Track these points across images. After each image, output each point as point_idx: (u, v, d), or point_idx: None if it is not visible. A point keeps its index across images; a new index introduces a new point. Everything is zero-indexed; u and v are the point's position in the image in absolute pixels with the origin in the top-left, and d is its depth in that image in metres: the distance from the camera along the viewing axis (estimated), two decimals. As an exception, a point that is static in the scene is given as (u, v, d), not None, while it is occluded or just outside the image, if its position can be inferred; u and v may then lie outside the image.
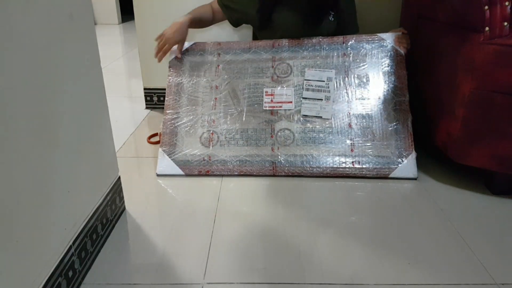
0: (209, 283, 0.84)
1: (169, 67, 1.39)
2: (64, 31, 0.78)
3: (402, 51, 1.33)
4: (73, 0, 0.81)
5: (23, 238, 0.65)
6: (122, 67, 2.75)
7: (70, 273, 0.79)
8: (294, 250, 0.93)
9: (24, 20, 0.65)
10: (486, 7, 1.02)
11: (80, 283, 0.83)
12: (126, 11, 4.43)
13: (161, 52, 1.35)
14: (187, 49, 1.40)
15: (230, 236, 0.99)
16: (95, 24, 4.26)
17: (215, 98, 1.34)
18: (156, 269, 0.88)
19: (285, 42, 1.38)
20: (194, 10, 1.41)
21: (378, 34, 1.35)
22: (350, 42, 1.35)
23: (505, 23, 1.03)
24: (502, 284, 0.83)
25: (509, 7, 1.02)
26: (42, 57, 0.70)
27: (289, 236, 0.98)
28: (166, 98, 1.35)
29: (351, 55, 1.34)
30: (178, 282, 0.84)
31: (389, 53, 1.33)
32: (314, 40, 1.37)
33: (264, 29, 1.42)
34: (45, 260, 0.72)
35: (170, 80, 1.37)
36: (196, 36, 1.63)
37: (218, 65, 1.38)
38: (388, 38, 1.35)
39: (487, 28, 1.02)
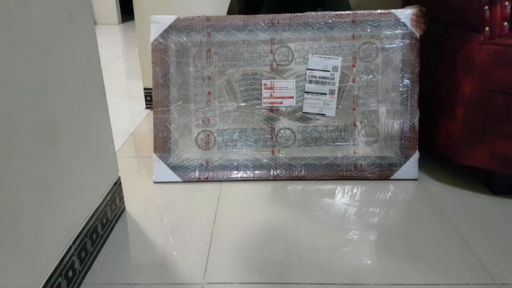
0: (209, 283, 0.84)
1: (152, 50, 1.20)
2: (64, 31, 0.78)
3: (417, 33, 1.18)
4: (73, 0, 0.81)
5: (23, 238, 0.65)
6: (122, 67, 2.75)
7: (70, 273, 0.79)
8: (294, 250, 0.93)
9: (24, 20, 0.65)
10: (486, 7, 1.02)
11: (80, 283, 0.83)
12: (126, 11, 4.43)
13: None
14: (170, 26, 1.20)
15: (230, 236, 0.99)
16: (95, 24, 4.25)
17: (209, 93, 1.22)
18: (156, 269, 0.88)
19: (286, 18, 1.20)
20: None
21: (392, 10, 1.19)
22: (360, 21, 1.19)
23: (505, 23, 1.03)
24: (502, 284, 0.83)
25: (509, 7, 1.02)
26: (42, 57, 0.70)
27: (289, 237, 0.98)
28: (153, 93, 1.21)
29: (360, 37, 1.19)
30: (178, 282, 0.84)
31: (402, 36, 1.19)
32: (320, 17, 1.19)
33: None
34: (45, 260, 0.72)
35: (156, 70, 1.20)
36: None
37: (209, 49, 1.21)
38: (404, 17, 1.18)
39: (487, 28, 1.02)
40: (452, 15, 1.16)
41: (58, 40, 0.75)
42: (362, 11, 1.20)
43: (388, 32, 1.20)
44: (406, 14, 1.19)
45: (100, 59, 0.95)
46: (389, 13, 1.19)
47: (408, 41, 1.19)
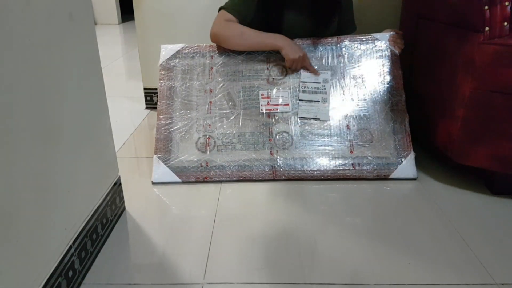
0: (209, 283, 0.84)
1: (160, 70, 1.34)
2: (64, 31, 0.78)
3: (396, 51, 1.33)
4: (73, 0, 0.81)
5: (23, 238, 0.65)
6: (122, 67, 2.75)
7: (70, 273, 0.79)
8: (294, 250, 0.93)
9: (24, 20, 0.65)
10: (486, 7, 1.02)
11: (80, 283, 0.83)
12: (126, 11, 4.43)
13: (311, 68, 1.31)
14: (178, 52, 1.36)
15: (230, 236, 0.99)
16: (95, 24, 4.26)
17: (210, 102, 1.31)
18: (156, 269, 0.88)
19: None
20: (254, 33, 1.29)
21: (372, 34, 1.35)
22: (344, 42, 1.34)
23: (505, 23, 1.03)
24: (502, 284, 0.84)
25: (509, 7, 1.02)
26: (42, 57, 0.70)
27: (289, 236, 0.98)
28: (158, 103, 1.31)
29: (346, 55, 1.33)
30: (178, 282, 0.84)
31: (384, 53, 1.33)
32: (308, 41, 1.35)
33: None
34: (45, 260, 0.72)
35: (162, 84, 1.33)
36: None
37: (212, 68, 1.34)
38: (383, 38, 1.34)
39: (487, 28, 1.02)
40: (452, 15, 1.16)
41: (58, 40, 0.75)
42: (344, 36, 1.36)
43: (370, 50, 1.34)
44: (385, 36, 1.35)
45: (100, 59, 0.95)
46: (369, 36, 1.35)
47: (388, 56, 1.33)
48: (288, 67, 1.31)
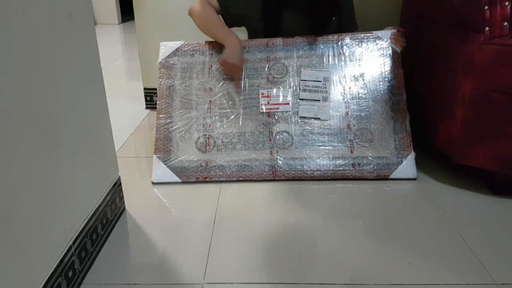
0: (209, 283, 0.84)
1: (159, 68, 1.33)
2: (64, 31, 0.78)
3: (398, 49, 1.31)
4: (73, 0, 0.81)
5: (23, 238, 0.65)
6: (122, 67, 2.75)
7: (70, 273, 0.79)
8: (294, 250, 0.93)
9: (24, 20, 0.65)
10: (486, 7, 1.02)
11: (80, 283, 0.83)
12: (126, 11, 4.43)
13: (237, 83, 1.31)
14: (177, 49, 1.34)
15: (230, 236, 0.99)
16: (95, 24, 4.25)
17: (210, 101, 1.30)
18: (156, 269, 0.88)
19: (279, 41, 1.34)
20: (217, 22, 1.30)
21: (373, 32, 1.33)
22: (345, 40, 1.33)
23: (505, 23, 1.03)
24: (502, 284, 0.83)
25: (509, 7, 1.02)
26: (42, 57, 0.70)
27: (289, 236, 0.98)
28: (158, 102, 1.30)
29: (347, 53, 1.32)
30: (178, 282, 0.84)
31: (385, 52, 1.31)
32: (309, 38, 1.33)
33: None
34: (45, 260, 0.72)
35: (161, 83, 1.31)
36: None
37: (211, 66, 1.32)
38: (384, 36, 1.32)
39: (487, 28, 1.02)
40: (452, 15, 1.16)
41: (58, 40, 0.75)
42: (345, 33, 1.34)
43: (371, 48, 1.33)
44: (386, 34, 1.33)
45: (100, 59, 0.95)
46: (371, 33, 1.34)
47: (390, 55, 1.32)
48: (218, 63, 1.31)
